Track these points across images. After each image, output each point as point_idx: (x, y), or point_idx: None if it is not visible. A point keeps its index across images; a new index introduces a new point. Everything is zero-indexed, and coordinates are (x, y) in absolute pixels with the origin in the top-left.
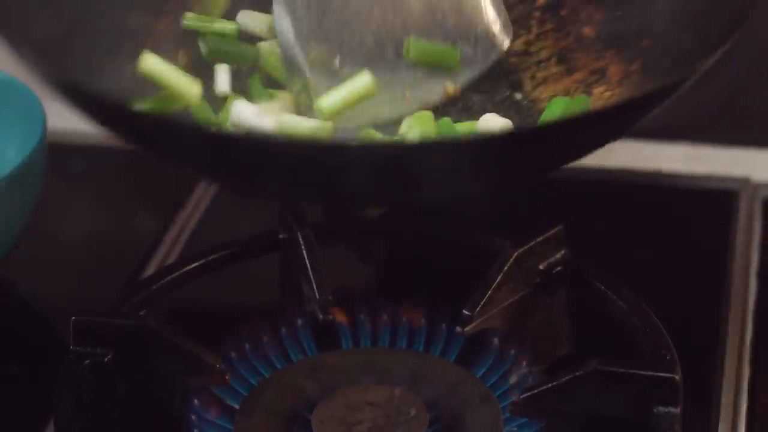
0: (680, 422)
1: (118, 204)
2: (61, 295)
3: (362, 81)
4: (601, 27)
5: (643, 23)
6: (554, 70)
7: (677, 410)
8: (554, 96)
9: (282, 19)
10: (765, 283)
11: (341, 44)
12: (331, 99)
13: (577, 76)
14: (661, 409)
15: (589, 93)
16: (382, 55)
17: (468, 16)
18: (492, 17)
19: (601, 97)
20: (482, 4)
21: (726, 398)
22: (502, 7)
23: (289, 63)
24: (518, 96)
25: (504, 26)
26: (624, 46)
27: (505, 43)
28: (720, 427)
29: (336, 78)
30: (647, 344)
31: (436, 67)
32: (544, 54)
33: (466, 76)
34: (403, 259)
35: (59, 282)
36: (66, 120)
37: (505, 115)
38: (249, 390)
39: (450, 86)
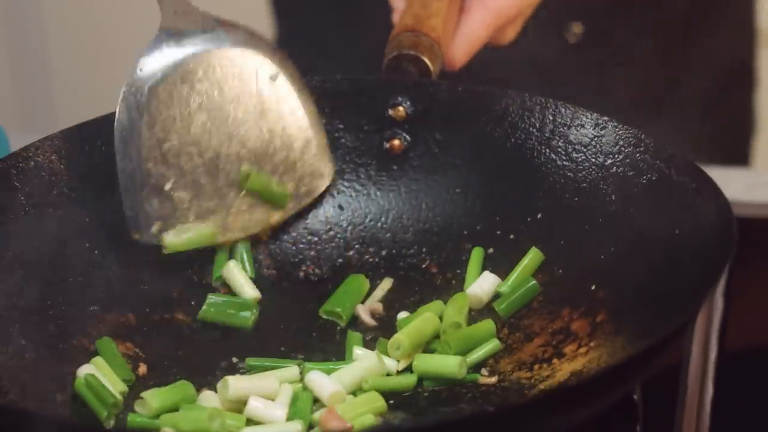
0: None
1: None
2: None
3: (208, 230)
4: (545, 289)
5: (592, 275)
6: (511, 340)
7: None
8: (519, 366)
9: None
10: None
11: (176, 167)
12: (178, 238)
13: (538, 341)
14: None
15: (560, 354)
16: (214, 181)
17: (296, 154)
18: (317, 158)
19: (575, 354)
20: (309, 145)
21: None
22: (327, 147)
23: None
24: (485, 373)
25: (326, 168)
26: (577, 302)
27: (326, 182)
28: None
29: (166, 200)
30: None
31: (263, 199)
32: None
33: (289, 210)
34: None
35: None
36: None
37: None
38: None
39: (274, 217)
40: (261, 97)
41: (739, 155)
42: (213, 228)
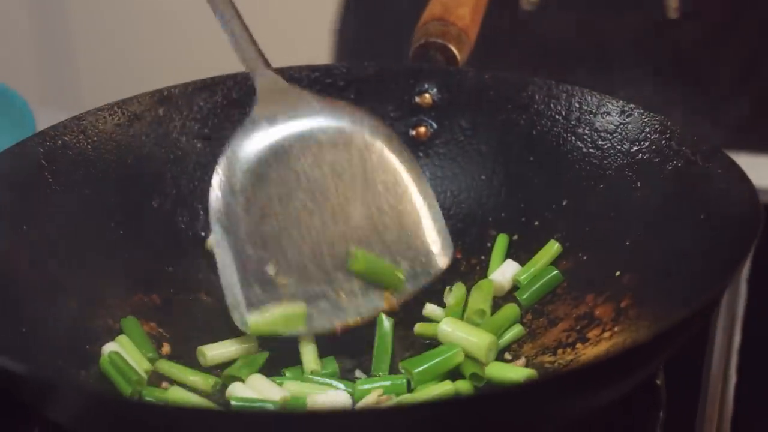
0: None
1: None
2: None
3: (295, 309)
4: (569, 275)
5: (616, 261)
6: (535, 325)
7: None
8: (543, 350)
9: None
10: None
11: (278, 250)
12: (261, 318)
13: (562, 326)
14: None
15: (584, 339)
16: (320, 264)
17: (408, 232)
18: (433, 236)
19: (599, 339)
20: (423, 222)
21: None
22: (444, 225)
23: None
24: (509, 357)
25: (444, 245)
26: (602, 288)
27: (445, 261)
28: None
29: (269, 286)
30: None
31: (376, 281)
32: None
33: (405, 292)
34: None
35: None
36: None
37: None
38: None
39: (391, 299)
40: (365, 173)
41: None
42: (302, 311)
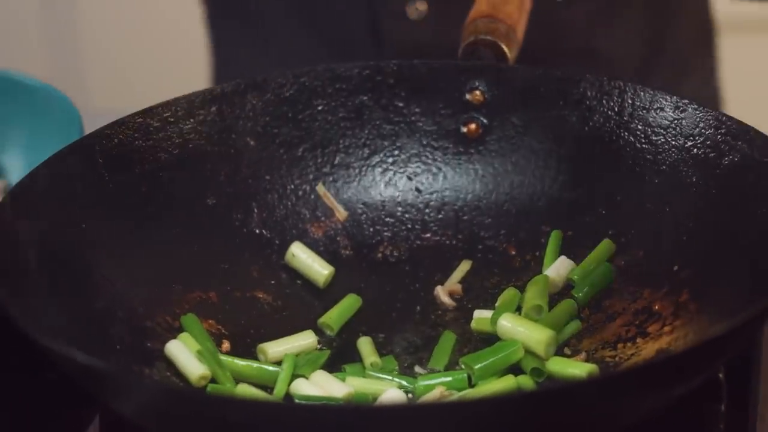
0: None
1: None
2: None
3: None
4: (625, 271)
5: (673, 256)
6: (593, 320)
7: None
8: (603, 345)
9: None
10: None
11: None
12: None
13: (620, 320)
14: None
15: (644, 333)
16: None
17: None
18: None
19: (660, 333)
20: None
21: None
22: None
23: None
24: (568, 352)
25: None
26: (659, 283)
27: None
28: None
29: None
30: None
31: None
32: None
33: None
34: None
35: None
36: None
37: None
38: None
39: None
40: None
41: None
42: None
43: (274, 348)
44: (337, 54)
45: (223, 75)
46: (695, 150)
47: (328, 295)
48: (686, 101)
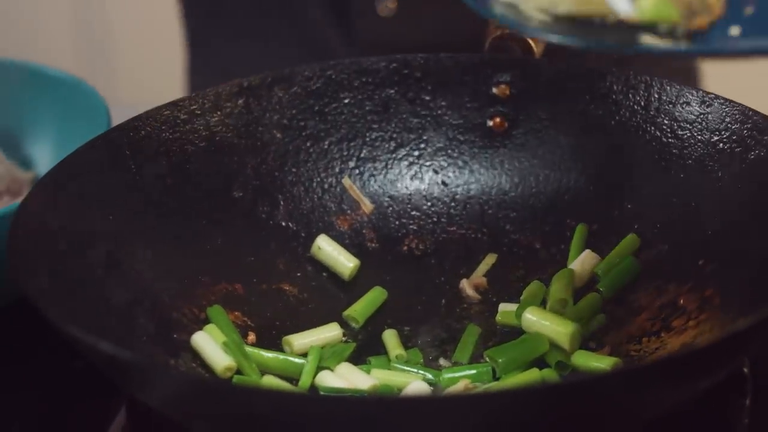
0: None
1: None
2: None
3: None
4: (650, 265)
5: (698, 251)
6: (617, 314)
7: None
8: (628, 339)
9: None
10: None
11: None
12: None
13: (645, 315)
14: None
15: (668, 328)
16: None
17: None
18: None
19: (685, 327)
20: None
21: None
22: None
23: None
24: (593, 345)
25: None
26: (684, 277)
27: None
28: None
29: None
30: None
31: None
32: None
33: None
34: None
35: None
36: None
37: None
38: None
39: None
40: None
41: None
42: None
43: (300, 340)
44: (308, 51)
45: (199, 71)
46: (721, 144)
47: (354, 287)
48: (712, 95)
